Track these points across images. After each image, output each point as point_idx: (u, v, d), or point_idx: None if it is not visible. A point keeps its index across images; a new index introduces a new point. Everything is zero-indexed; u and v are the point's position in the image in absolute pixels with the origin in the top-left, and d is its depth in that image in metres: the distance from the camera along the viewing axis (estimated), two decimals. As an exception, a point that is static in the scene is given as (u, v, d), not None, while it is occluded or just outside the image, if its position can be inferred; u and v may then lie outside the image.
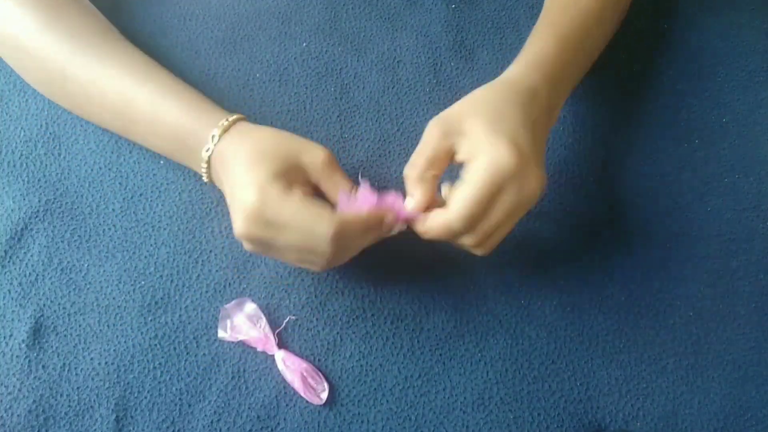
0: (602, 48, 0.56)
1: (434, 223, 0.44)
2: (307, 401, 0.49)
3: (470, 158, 0.44)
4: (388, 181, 0.55)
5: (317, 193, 0.47)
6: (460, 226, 0.43)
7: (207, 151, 0.46)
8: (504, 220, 0.44)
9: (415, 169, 0.45)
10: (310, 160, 0.45)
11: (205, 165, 0.47)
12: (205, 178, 0.48)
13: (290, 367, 0.49)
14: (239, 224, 0.43)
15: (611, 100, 0.59)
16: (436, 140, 0.44)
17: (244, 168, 0.44)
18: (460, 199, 0.42)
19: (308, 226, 0.42)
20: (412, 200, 0.45)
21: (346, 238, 0.43)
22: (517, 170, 0.42)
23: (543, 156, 0.46)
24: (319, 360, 0.50)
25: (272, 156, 0.44)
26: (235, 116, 0.48)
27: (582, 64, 0.54)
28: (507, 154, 0.42)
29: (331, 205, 0.45)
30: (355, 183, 0.46)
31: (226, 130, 0.46)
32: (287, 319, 0.50)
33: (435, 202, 0.45)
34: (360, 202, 0.45)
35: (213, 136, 0.46)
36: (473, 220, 0.43)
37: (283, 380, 0.49)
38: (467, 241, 0.45)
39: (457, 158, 0.45)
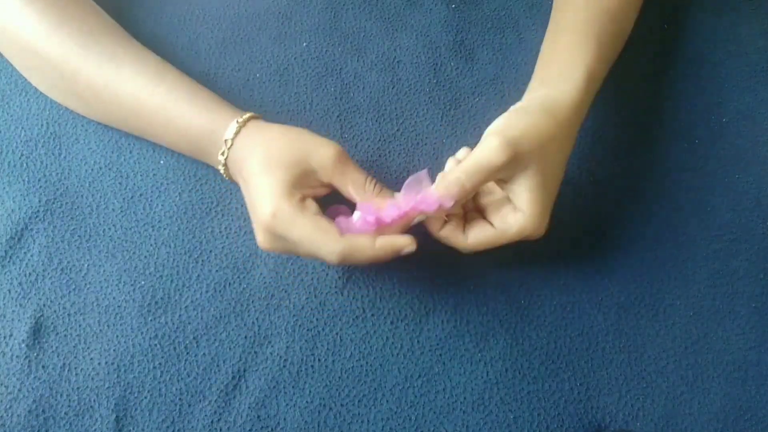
0: None
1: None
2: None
3: (512, 197, 0.46)
4: (388, 182, 0.55)
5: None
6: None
7: (222, 155, 0.47)
8: None
9: (470, 181, 0.44)
10: (318, 162, 0.45)
11: (222, 168, 0.48)
12: (225, 176, 0.49)
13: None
14: (259, 238, 0.45)
15: (611, 100, 0.59)
16: (503, 162, 0.44)
17: (258, 178, 0.45)
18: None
19: (317, 247, 0.43)
20: (448, 201, 0.44)
21: (354, 258, 0.43)
22: (535, 236, 0.47)
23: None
24: (319, 360, 0.50)
25: (283, 164, 0.44)
26: (246, 116, 0.48)
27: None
28: (539, 225, 0.46)
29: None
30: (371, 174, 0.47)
31: (237, 133, 0.47)
32: None
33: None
34: (359, 226, 0.45)
35: (227, 140, 0.47)
36: None
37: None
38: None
39: (501, 184, 0.47)
